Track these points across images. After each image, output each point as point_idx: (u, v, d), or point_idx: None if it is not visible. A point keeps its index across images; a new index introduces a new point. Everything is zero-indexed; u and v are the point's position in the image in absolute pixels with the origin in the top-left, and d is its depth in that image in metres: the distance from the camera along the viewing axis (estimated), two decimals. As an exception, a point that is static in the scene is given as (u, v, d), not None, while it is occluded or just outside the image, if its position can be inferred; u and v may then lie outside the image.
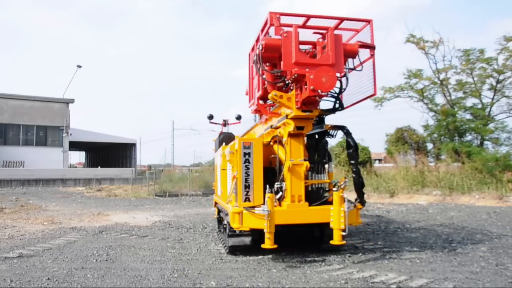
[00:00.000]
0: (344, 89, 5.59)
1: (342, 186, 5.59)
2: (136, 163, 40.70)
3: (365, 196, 6.09)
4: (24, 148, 31.49)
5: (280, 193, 5.64)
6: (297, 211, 5.50)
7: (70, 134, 33.31)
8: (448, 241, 6.92)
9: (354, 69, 5.53)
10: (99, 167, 37.54)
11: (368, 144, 29.46)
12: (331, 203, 5.45)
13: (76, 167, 56.29)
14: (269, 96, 5.59)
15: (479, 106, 21.39)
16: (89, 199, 17.81)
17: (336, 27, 5.63)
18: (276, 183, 5.67)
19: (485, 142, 20.74)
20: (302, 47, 5.38)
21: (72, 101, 34.09)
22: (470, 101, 21.72)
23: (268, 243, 5.19)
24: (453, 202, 13.76)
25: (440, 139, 21.90)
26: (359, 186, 5.73)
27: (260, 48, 5.32)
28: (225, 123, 9.46)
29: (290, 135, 5.65)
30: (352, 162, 5.76)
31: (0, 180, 26.64)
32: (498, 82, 20.84)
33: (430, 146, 23.06)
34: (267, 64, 5.76)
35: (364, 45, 5.57)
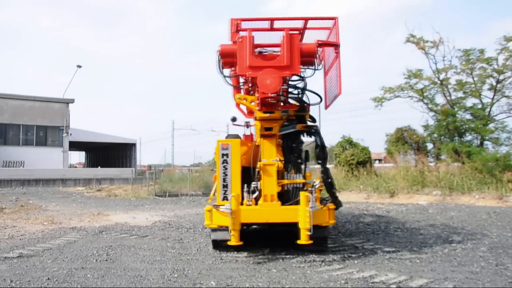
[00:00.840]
0: (304, 88, 5.53)
1: (317, 186, 5.61)
2: (136, 163, 40.72)
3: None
4: (24, 148, 31.48)
5: (257, 193, 5.75)
6: (264, 210, 5.62)
7: (70, 134, 33.31)
8: (448, 241, 6.92)
9: (313, 69, 5.47)
10: (99, 167, 37.54)
11: (368, 144, 29.40)
12: None
13: (76, 167, 56.29)
14: (235, 99, 5.76)
15: (479, 106, 21.37)
16: (89, 199, 17.81)
17: (305, 28, 5.67)
18: (253, 183, 5.81)
19: (485, 142, 20.73)
20: (274, 49, 5.47)
21: (72, 101, 34.09)
22: (470, 101, 21.72)
23: (233, 240, 5.41)
24: (453, 202, 13.76)
25: (440, 139, 21.88)
26: (328, 187, 5.70)
27: (217, 54, 5.49)
28: (247, 125, 9.58)
29: (262, 135, 5.79)
30: (319, 162, 5.75)
31: (0, 180, 26.64)
32: (498, 82, 20.83)
33: (430, 146, 23.05)
34: (232, 68, 5.84)
35: (325, 44, 5.56)
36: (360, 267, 5.18)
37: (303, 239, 5.33)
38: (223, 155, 5.81)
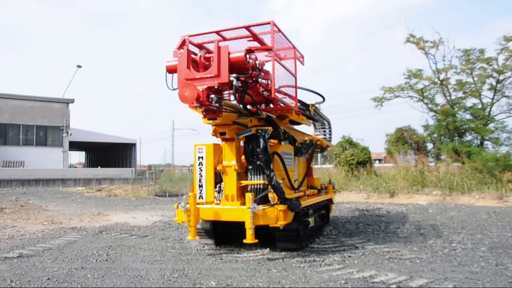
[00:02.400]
0: (221, 97, 5.68)
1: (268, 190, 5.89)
2: (136, 163, 40.74)
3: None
4: (24, 148, 31.49)
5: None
6: (217, 209, 6.03)
7: (70, 134, 33.32)
8: (448, 241, 6.92)
9: (244, 76, 5.60)
10: (99, 167, 37.54)
11: (368, 144, 29.47)
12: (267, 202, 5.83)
13: (76, 167, 56.30)
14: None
15: (479, 106, 21.38)
16: (89, 199, 17.81)
17: (254, 35, 5.98)
18: (222, 183, 6.32)
19: (485, 142, 20.74)
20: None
21: (72, 101, 34.10)
22: (470, 101, 21.74)
23: (189, 235, 5.97)
24: (453, 202, 13.76)
25: (440, 139, 21.89)
26: (275, 191, 5.76)
27: (165, 70, 5.91)
28: None
29: (223, 140, 6.22)
30: (261, 165, 5.91)
31: (0, 180, 26.64)
32: (498, 82, 20.83)
33: (430, 146, 23.06)
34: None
35: (253, 50, 5.76)
36: (360, 267, 5.18)
37: (248, 238, 5.57)
38: (199, 157, 6.38)
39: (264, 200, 5.93)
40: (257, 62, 5.66)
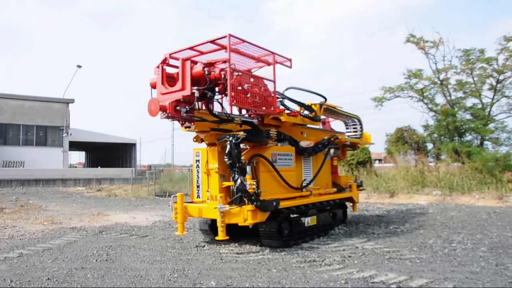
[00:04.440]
0: (192, 107, 5.98)
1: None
2: (136, 163, 40.71)
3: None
4: (24, 148, 31.48)
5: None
6: (199, 208, 6.54)
7: (70, 134, 33.30)
8: (448, 241, 6.92)
9: (203, 88, 6.02)
10: (99, 167, 37.53)
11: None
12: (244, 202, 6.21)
13: (76, 167, 56.28)
14: None
15: (479, 106, 21.39)
16: (89, 199, 17.81)
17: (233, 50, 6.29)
18: None
19: (485, 142, 20.75)
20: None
21: (72, 101, 34.09)
22: (470, 101, 21.76)
23: (178, 231, 6.54)
24: (453, 202, 13.76)
25: (440, 139, 21.90)
26: (242, 193, 6.11)
27: (150, 86, 6.51)
28: (323, 122, 9.98)
29: (207, 144, 6.82)
30: (229, 168, 6.30)
31: (0, 180, 26.64)
32: (498, 82, 20.84)
33: (430, 146, 23.09)
34: None
35: (209, 64, 6.24)
36: (360, 267, 5.18)
37: (220, 235, 6.06)
38: (196, 160, 7.02)
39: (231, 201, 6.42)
40: (222, 73, 6.01)
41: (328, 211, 8.12)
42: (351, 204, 9.54)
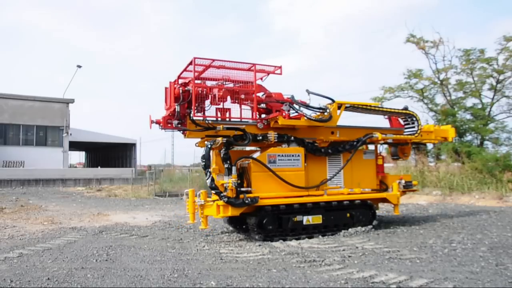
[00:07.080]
0: (182, 120, 7.14)
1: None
2: (136, 163, 40.68)
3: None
4: (24, 148, 31.46)
5: None
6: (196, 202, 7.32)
7: (70, 134, 33.28)
8: (448, 241, 6.92)
9: (178, 104, 7.04)
10: (99, 167, 37.51)
11: (368, 144, 29.38)
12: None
13: (76, 167, 56.27)
14: None
15: (479, 106, 21.37)
16: (89, 199, 17.81)
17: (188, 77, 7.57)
18: None
19: (485, 142, 20.74)
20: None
21: (72, 101, 34.07)
22: (470, 101, 21.74)
23: (190, 219, 7.33)
24: (453, 202, 13.76)
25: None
26: (210, 189, 7.05)
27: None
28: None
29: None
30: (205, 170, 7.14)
31: (0, 180, 26.64)
32: (498, 82, 20.84)
33: (430, 146, 23.04)
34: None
35: (184, 84, 7.37)
36: (360, 267, 5.18)
37: (202, 224, 7.16)
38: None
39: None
40: (199, 89, 7.14)
41: (343, 210, 7.90)
42: (393, 205, 8.90)
